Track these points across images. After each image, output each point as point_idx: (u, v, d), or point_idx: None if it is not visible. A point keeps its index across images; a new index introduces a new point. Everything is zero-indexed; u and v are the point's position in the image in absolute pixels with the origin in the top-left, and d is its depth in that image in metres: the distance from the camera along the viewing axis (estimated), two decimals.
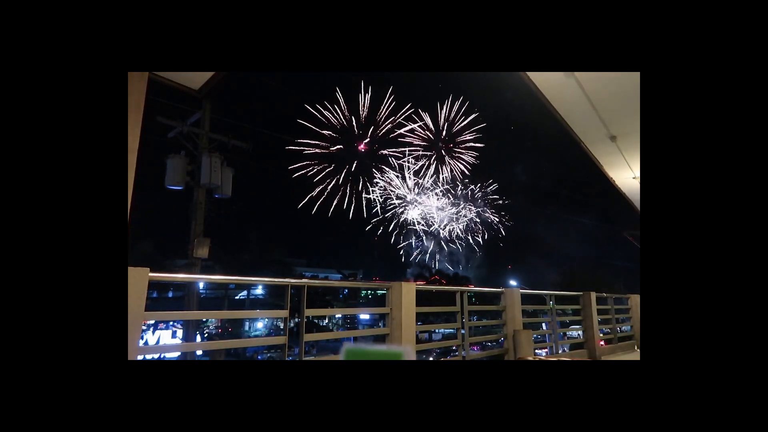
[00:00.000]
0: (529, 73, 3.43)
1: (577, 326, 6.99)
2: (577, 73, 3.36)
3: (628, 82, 3.42)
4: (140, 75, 2.62)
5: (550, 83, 3.61)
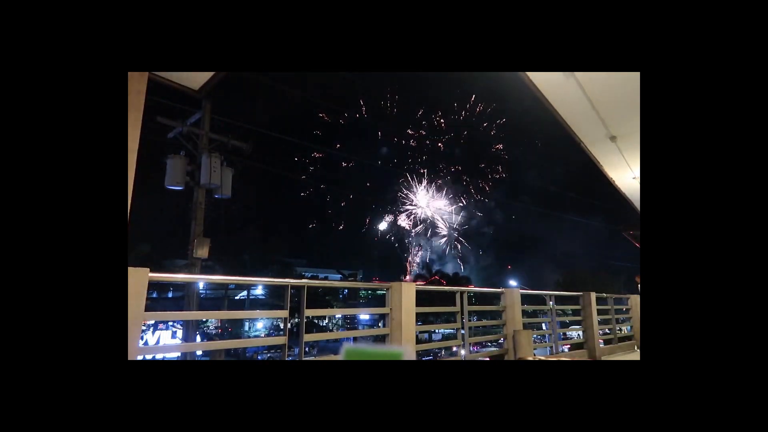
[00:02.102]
0: (529, 73, 3.43)
1: (577, 326, 6.98)
2: (577, 73, 3.36)
3: (628, 82, 3.41)
4: (140, 75, 2.61)
5: (550, 83, 3.61)
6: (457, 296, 4.96)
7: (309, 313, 3.50)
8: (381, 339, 4.38)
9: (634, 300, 8.49)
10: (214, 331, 22.90)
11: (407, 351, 0.58)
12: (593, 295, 6.90)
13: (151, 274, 2.49)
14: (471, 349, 5.43)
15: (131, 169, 2.45)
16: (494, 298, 5.75)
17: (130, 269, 2.25)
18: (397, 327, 3.95)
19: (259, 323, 25.42)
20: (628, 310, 8.49)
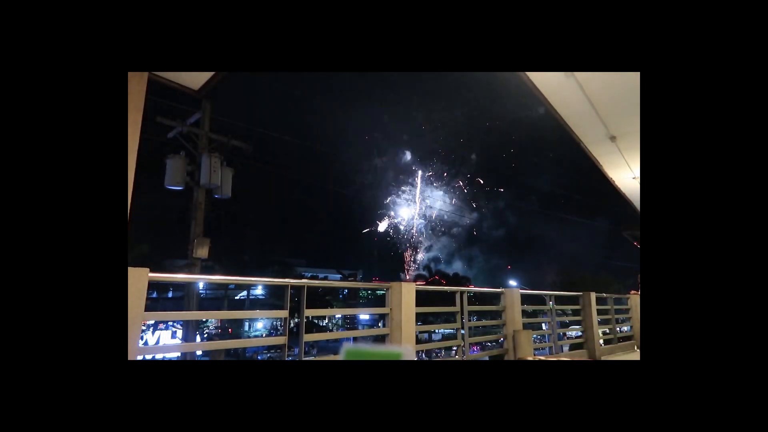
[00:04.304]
0: (529, 73, 3.43)
1: (577, 326, 6.98)
2: (577, 73, 3.36)
3: (628, 82, 3.42)
4: (140, 75, 2.61)
5: (550, 83, 3.61)
6: (457, 296, 4.96)
7: (309, 313, 3.50)
8: (381, 339, 4.38)
9: (634, 300, 8.50)
10: (214, 331, 22.91)
11: (407, 351, 0.58)
12: (593, 295, 6.90)
13: (151, 274, 2.49)
14: (471, 349, 5.42)
15: (131, 169, 2.45)
16: (494, 298, 5.74)
17: (130, 269, 2.25)
18: (397, 327, 3.95)
19: (259, 323, 25.43)
20: (628, 310, 8.49)
